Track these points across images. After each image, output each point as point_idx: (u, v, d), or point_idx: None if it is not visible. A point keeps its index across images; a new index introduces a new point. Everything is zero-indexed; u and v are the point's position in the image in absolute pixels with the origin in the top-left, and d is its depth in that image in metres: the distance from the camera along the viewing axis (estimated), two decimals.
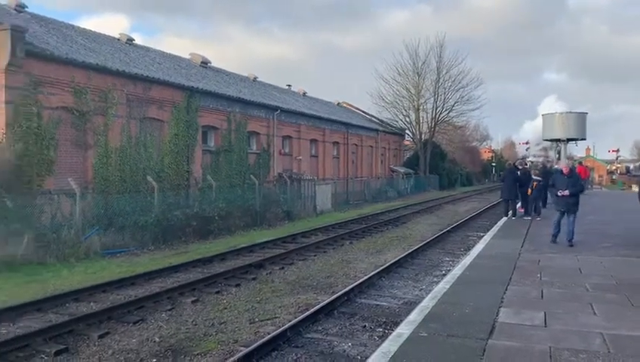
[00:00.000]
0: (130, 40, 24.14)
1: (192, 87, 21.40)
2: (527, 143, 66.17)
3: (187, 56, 28.40)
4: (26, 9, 19.17)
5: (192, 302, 9.59)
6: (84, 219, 14.98)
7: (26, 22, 17.15)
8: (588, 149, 65.79)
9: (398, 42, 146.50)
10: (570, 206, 11.81)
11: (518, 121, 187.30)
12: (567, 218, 11.87)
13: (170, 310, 9.07)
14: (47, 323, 8.12)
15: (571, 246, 11.51)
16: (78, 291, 10.02)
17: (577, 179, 12.01)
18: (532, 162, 40.94)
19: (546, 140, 43.36)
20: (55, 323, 8.06)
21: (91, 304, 9.48)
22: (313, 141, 32.17)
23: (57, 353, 6.95)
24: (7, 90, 14.11)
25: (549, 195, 22.54)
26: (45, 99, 15.10)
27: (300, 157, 30.02)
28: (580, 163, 38.56)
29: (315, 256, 14.58)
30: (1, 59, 14.05)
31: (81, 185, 15.48)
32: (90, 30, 22.55)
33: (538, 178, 18.38)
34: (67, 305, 9.40)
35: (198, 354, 6.95)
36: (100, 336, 7.63)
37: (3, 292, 10.17)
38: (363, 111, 49.15)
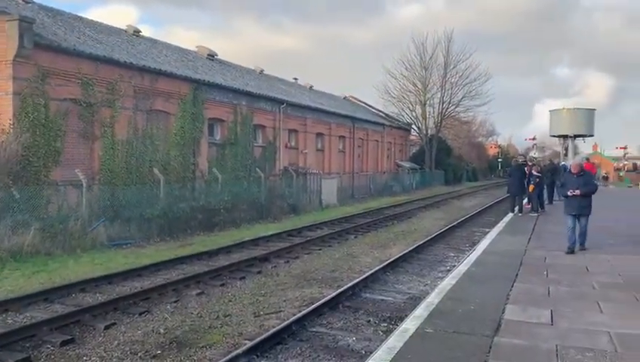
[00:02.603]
0: (137, 32, 24.09)
1: (199, 79, 21.37)
2: (533, 139, 65.99)
3: (194, 49, 28.36)
4: (34, 0, 19.16)
5: (197, 294, 9.62)
6: (90, 211, 15.02)
7: (34, 13, 17.14)
8: (595, 146, 65.44)
9: (408, 37, 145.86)
10: (583, 208, 10.81)
11: (525, 117, 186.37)
12: (578, 221, 10.91)
13: (175, 302, 9.10)
14: (53, 314, 8.17)
15: (584, 249, 10.86)
16: (85, 282, 10.08)
17: (590, 178, 11.18)
18: (535, 158, 40.80)
19: (553, 136, 43.14)
20: (61, 313, 8.11)
21: (97, 295, 9.53)
22: (319, 135, 32.10)
23: (63, 343, 6.98)
24: (15, 81, 14.12)
25: (555, 192, 22.52)
26: (53, 90, 15.11)
27: (306, 151, 29.96)
28: (587, 159, 38.32)
29: (320, 249, 14.58)
30: (9, 51, 14.05)
31: (88, 177, 15.50)
32: (98, 22, 22.51)
33: (538, 174, 18.44)
34: (73, 295, 9.45)
35: (202, 347, 6.97)
36: (106, 327, 7.67)
37: (10, 283, 10.24)
38: (369, 106, 48.93)
